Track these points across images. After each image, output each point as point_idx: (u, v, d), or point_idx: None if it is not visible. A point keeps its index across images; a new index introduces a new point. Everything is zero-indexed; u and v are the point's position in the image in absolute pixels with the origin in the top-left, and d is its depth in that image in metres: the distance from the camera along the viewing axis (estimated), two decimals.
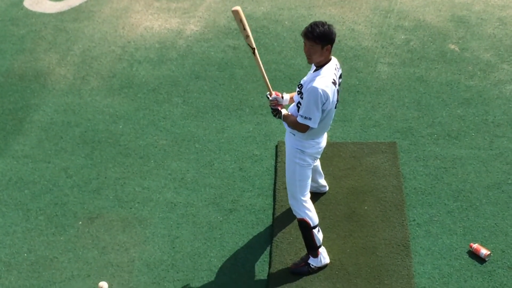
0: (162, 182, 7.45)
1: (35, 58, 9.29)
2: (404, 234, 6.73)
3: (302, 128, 5.88)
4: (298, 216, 6.28)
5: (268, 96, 6.05)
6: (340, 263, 6.51)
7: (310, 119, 5.77)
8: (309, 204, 6.28)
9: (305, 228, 6.29)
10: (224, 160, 7.68)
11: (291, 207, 6.33)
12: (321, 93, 5.66)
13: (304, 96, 5.78)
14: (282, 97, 6.11)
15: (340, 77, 5.95)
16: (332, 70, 5.80)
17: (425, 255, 6.58)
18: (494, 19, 9.70)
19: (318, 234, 6.33)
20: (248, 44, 5.91)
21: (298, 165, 6.11)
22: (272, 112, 6.08)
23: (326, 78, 5.73)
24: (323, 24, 5.66)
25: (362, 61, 9.02)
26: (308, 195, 6.28)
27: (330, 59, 5.82)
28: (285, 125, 6.09)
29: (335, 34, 5.71)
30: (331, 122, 6.07)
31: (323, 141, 6.19)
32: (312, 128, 5.84)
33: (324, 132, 6.14)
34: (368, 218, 6.92)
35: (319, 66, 5.79)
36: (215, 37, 9.59)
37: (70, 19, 10.05)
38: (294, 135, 6.04)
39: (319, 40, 5.62)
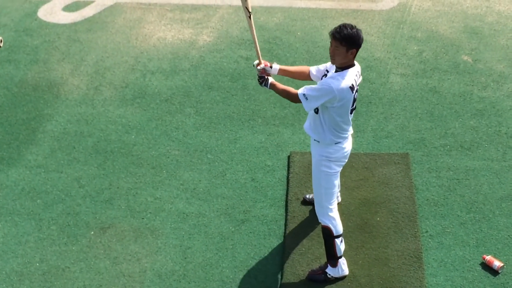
0: (174, 192, 7.45)
1: (49, 68, 9.34)
2: (416, 246, 6.70)
3: (294, 98, 5.86)
4: (323, 223, 6.24)
5: (255, 65, 6.07)
6: (352, 274, 6.48)
7: (307, 99, 5.74)
8: (334, 212, 6.22)
9: (328, 236, 6.25)
10: (236, 171, 7.68)
11: (316, 213, 6.28)
12: (334, 91, 5.61)
13: (320, 81, 5.78)
14: (271, 67, 6.12)
15: (358, 84, 5.90)
16: (353, 75, 5.75)
17: (438, 267, 6.55)
18: (507, 30, 9.68)
19: (341, 245, 6.29)
20: (246, 8, 5.90)
21: (323, 173, 6.07)
22: (258, 79, 6.09)
23: (346, 81, 5.66)
24: (352, 27, 5.61)
25: (375, 72, 9.01)
26: (335, 203, 6.23)
27: (353, 64, 5.79)
28: (310, 134, 6.05)
29: (363, 39, 5.66)
30: (347, 128, 5.97)
31: (348, 145, 6.09)
32: (308, 107, 5.82)
33: (343, 135, 5.98)
34: (381, 229, 6.90)
35: (341, 68, 5.73)
36: (228, 48, 9.61)
37: (83, 29, 10.11)
38: (319, 142, 5.99)
39: (345, 42, 5.58)
